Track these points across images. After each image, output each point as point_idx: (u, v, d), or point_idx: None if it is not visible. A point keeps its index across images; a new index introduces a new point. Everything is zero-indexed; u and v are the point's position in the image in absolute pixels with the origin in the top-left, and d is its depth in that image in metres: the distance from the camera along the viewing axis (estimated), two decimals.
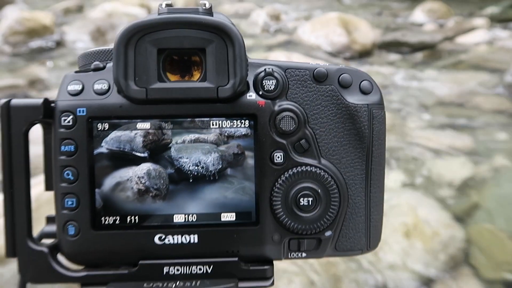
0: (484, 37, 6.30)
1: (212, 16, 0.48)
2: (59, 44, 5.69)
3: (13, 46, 5.44)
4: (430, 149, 3.38)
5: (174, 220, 0.48)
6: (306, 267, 2.02)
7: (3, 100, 0.47)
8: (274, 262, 0.50)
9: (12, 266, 1.97)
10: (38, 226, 0.54)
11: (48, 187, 0.53)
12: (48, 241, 0.52)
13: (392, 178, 2.94)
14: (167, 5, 0.48)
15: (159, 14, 0.47)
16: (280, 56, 4.89)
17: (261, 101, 0.48)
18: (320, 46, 5.65)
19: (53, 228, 0.51)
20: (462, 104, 4.28)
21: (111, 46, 0.50)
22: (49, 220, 0.54)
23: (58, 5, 7.59)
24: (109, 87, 0.48)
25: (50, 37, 5.70)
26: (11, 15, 5.86)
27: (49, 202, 0.54)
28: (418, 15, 7.65)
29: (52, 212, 0.52)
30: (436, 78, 4.91)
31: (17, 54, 5.35)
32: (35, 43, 5.57)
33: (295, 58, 4.83)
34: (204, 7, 0.48)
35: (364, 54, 5.65)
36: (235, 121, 0.48)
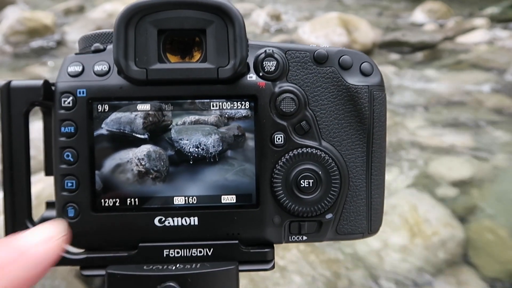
0: (484, 37, 6.30)
1: None
2: (60, 44, 5.70)
3: (14, 46, 5.45)
4: (429, 148, 3.37)
5: (174, 202, 0.48)
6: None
7: (3, 81, 0.47)
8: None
9: None
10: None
11: (48, 172, 0.53)
12: None
13: (391, 177, 2.94)
14: None
15: None
16: None
17: (262, 82, 0.48)
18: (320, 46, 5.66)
19: (53, 213, 0.51)
20: (462, 103, 4.28)
21: (111, 29, 0.50)
22: (49, 205, 0.54)
23: (59, 5, 7.60)
24: (109, 69, 0.48)
25: (51, 37, 5.70)
26: (12, 15, 5.87)
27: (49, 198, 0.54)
28: (418, 15, 7.66)
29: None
30: (436, 78, 4.91)
31: (18, 54, 5.36)
32: (36, 43, 5.58)
33: None
34: None
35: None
36: (235, 102, 0.48)
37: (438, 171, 3.05)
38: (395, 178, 2.94)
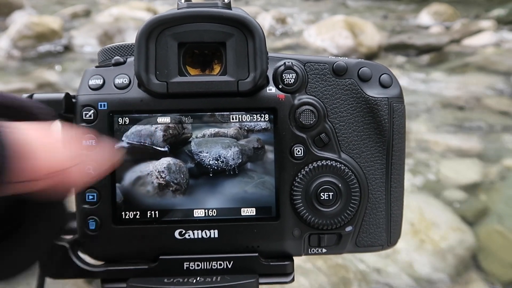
0: (491, 39, 6.26)
1: (231, 9, 0.48)
2: (67, 48, 5.74)
3: (22, 50, 5.50)
4: (436, 151, 3.35)
5: (194, 215, 0.48)
6: None
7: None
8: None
9: None
10: None
11: None
12: (67, 237, 0.52)
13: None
14: (186, 0, 0.48)
15: (178, 8, 0.47)
16: None
17: (281, 94, 0.48)
18: (326, 49, 5.65)
19: (72, 223, 0.51)
20: (470, 106, 4.25)
21: (131, 41, 0.50)
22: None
23: (66, 10, 7.67)
24: (130, 82, 0.48)
25: (58, 42, 5.75)
26: (20, 20, 5.93)
27: None
28: (424, 17, 7.63)
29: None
30: (443, 80, 4.89)
31: (26, 59, 5.41)
32: (44, 48, 5.63)
33: None
34: (223, 1, 0.48)
35: (370, 57, 5.64)
36: (255, 115, 0.48)
37: (445, 174, 3.03)
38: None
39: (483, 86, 4.66)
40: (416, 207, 2.60)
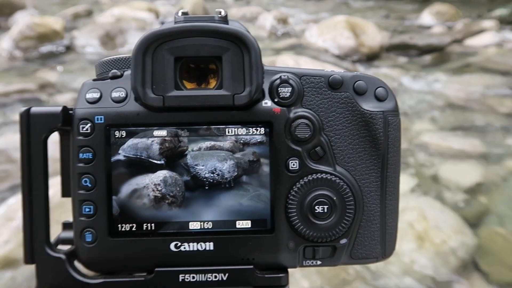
0: (493, 39, 6.25)
1: (228, 24, 0.48)
2: (69, 48, 5.76)
3: (24, 51, 5.52)
4: (439, 153, 3.35)
5: (190, 227, 0.49)
6: None
7: (23, 108, 0.48)
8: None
9: (23, 270, 1.99)
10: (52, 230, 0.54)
11: (65, 193, 0.53)
12: (64, 247, 0.52)
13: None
14: (183, 13, 0.48)
15: (175, 22, 0.48)
16: (288, 60, 4.89)
17: (277, 108, 0.48)
18: (328, 49, 5.65)
19: (69, 234, 0.52)
20: (472, 106, 4.24)
21: (128, 54, 0.51)
22: (66, 226, 0.55)
23: (67, 10, 7.69)
24: (127, 95, 0.48)
25: (60, 42, 5.77)
26: (22, 21, 5.95)
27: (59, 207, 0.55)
28: (426, 17, 7.62)
29: (63, 215, 0.52)
30: (444, 81, 4.88)
31: (28, 59, 5.42)
32: (46, 48, 5.64)
33: (303, 62, 4.83)
34: (219, 15, 0.48)
35: (371, 57, 5.63)
36: (250, 128, 0.48)
37: (446, 176, 3.03)
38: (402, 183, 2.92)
39: (485, 86, 4.65)
40: (417, 209, 2.60)
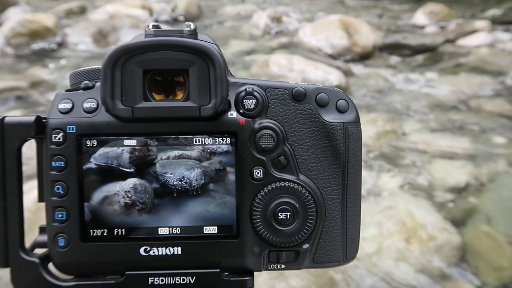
0: (485, 40, 6.29)
1: (197, 37, 0.50)
2: (61, 45, 5.73)
3: (16, 48, 5.48)
4: (428, 153, 3.39)
5: (159, 233, 0.50)
6: None
7: None
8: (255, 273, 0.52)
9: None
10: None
11: (41, 198, 0.55)
12: (41, 250, 0.54)
13: (394, 182, 2.96)
14: (154, 26, 0.50)
15: (146, 35, 0.49)
16: (281, 59, 4.90)
17: (242, 119, 0.50)
18: (321, 49, 5.66)
19: (45, 238, 0.54)
20: (462, 106, 4.28)
21: (100, 66, 0.52)
22: (42, 230, 0.56)
23: (60, 7, 7.63)
24: (98, 106, 0.50)
25: (53, 39, 5.74)
26: (14, 17, 5.90)
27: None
28: (420, 17, 7.65)
29: (41, 219, 0.54)
30: (436, 81, 4.92)
31: (19, 56, 5.39)
32: (38, 45, 5.61)
33: (296, 61, 4.85)
34: (188, 29, 0.50)
35: (364, 57, 5.66)
36: (217, 138, 0.50)
37: (435, 176, 3.07)
38: (388, 181, 2.95)
39: (476, 86, 4.69)
40: (405, 209, 2.64)
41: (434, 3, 7.81)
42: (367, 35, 5.90)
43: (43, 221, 0.58)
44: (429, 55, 5.99)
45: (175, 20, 7.51)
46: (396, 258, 2.29)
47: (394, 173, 3.09)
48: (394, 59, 5.85)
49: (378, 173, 3.08)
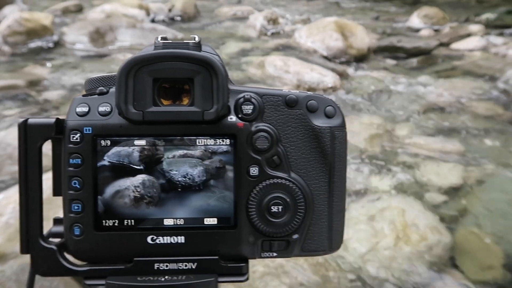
0: (479, 44, 6.37)
1: (201, 49, 0.56)
2: (58, 44, 5.74)
3: (13, 46, 5.50)
4: (420, 155, 3.45)
5: (164, 223, 0.56)
6: None
7: (21, 119, 0.55)
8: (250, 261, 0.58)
9: (12, 264, 2.04)
10: None
11: (56, 193, 0.61)
12: (55, 240, 0.60)
13: (387, 183, 3.03)
14: (162, 38, 0.56)
15: (155, 46, 0.55)
16: (276, 60, 4.97)
17: (240, 123, 0.56)
18: (317, 50, 5.73)
19: (59, 228, 0.59)
20: (454, 110, 4.36)
21: (113, 73, 0.58)
22: (56, 221, 0.62)
23: (57, 6, 7.64)
24: (112, 109, 0.55)
25: (50, 38, 5.75)
26: (11, 16, 5.91)
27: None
28: (415, 20, 7.72)
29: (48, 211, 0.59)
30: (430, 84, 5.00)
31: (16, 55, 5.41)
32: (35, 44, 5.63)
33: (291, 63, 4.91)
34: (193, 41, 0.56)
35: (359, 59, 5.73)
36: (217, 139, 0.56)
37: (427, 178, 3.14)
38: (382, 183, 3.02)
39: (469, 89, 4.77)
40: (398, 209, 2.71)
41: (429, 7, 7.90)
42: (362, 38, 5.97)
43: (51, 214, 0.64)
44: (423, 58, 6.07)
45: (171, 20, 7.55)
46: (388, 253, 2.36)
47: (385, 174, 3.16)
48: (389, 62, 5.92)
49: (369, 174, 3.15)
